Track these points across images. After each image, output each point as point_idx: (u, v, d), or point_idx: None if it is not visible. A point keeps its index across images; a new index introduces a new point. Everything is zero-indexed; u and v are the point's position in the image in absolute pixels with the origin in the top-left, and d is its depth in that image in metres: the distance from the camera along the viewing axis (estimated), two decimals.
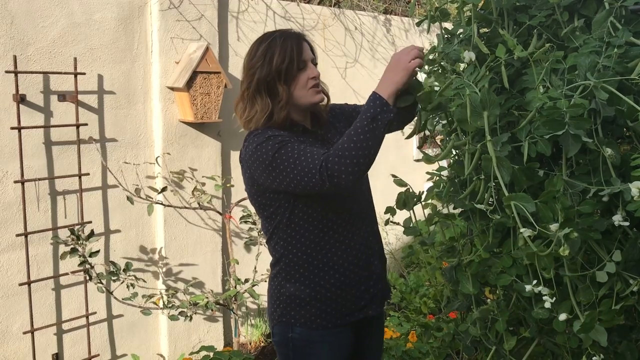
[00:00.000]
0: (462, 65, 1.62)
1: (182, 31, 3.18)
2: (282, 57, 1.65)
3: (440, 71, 1.72)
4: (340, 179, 1.50)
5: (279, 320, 1.78)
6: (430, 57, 1.79)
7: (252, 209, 3.31)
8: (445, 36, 1.77)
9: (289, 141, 1.61)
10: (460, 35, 1.68)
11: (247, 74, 1.71)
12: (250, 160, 1.66)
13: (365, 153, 1.50)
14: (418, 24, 1.80)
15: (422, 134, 1.84)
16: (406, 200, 1.76)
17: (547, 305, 1.34)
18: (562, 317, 1.38)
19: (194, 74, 3.08)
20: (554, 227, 1.19)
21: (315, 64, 1.74)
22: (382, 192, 1.92)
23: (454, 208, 1.75)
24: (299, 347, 1.76)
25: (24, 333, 2.75)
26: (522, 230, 1.23)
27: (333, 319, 1.74)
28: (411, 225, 1.82)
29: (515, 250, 1.51)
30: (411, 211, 1.81)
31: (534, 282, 1.37)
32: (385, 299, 1.87)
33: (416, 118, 1.71)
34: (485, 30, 1.70)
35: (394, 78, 1.55)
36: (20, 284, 2.71)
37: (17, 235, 2.69)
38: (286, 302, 1.76)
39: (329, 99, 1.81)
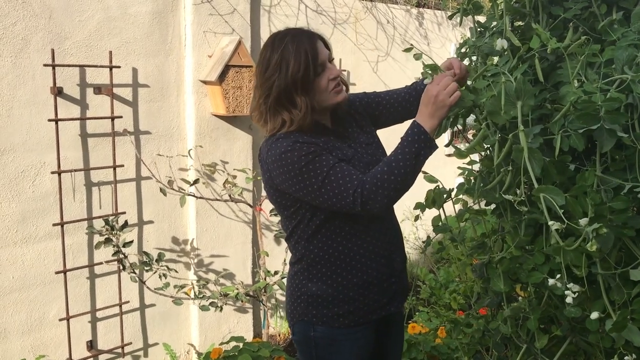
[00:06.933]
0: (495, 59, 1.60)
1: (215, 25, 3.21)
2: (298, 65, 1.57)
3: (472, 65, 1.70)
4: (373, 207, 1.51)
5: (299, 319, 1.75)
6: (462, 50, 1.77)
7: None
8: (478, 29, 1.75)
9: (319, 153, 1.56)
10: (493, 29, 1.66)
11: (264, 84, 1.63)
12: (273, 166, 1.60)
13: (403, 186, 1.52)
14: (450, 17, 1.78)
15: (452, 130, 1.82)
16: (436, 197, 1.74)
17: (569, 300, 1.32)
18: (594, 315, 1.36)
19: (226, 68, 3.10)
20: (583, 222, 1.16)
21: (331, 60, 1.66)
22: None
23: (486, 205, 1.73)
24: (322, 346, 1.73)
25: (60, 320, 2.82)
26: (550, 223, 1.21)
27: (356, 318, 1.71)
28: (440, 222, 1.80)
29: (548, 247, 1.49)
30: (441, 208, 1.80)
31: (558, 276, 1.34)
32: (406, 295, 1.85)
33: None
34: (520, 23, 1.67)
35: (437, 113, 1.53)
36: (57, 272, 2.79)
37: (54, 224, 2.76)
38: (307, 302, 1.72)
39: (347, 90, 1.74)
